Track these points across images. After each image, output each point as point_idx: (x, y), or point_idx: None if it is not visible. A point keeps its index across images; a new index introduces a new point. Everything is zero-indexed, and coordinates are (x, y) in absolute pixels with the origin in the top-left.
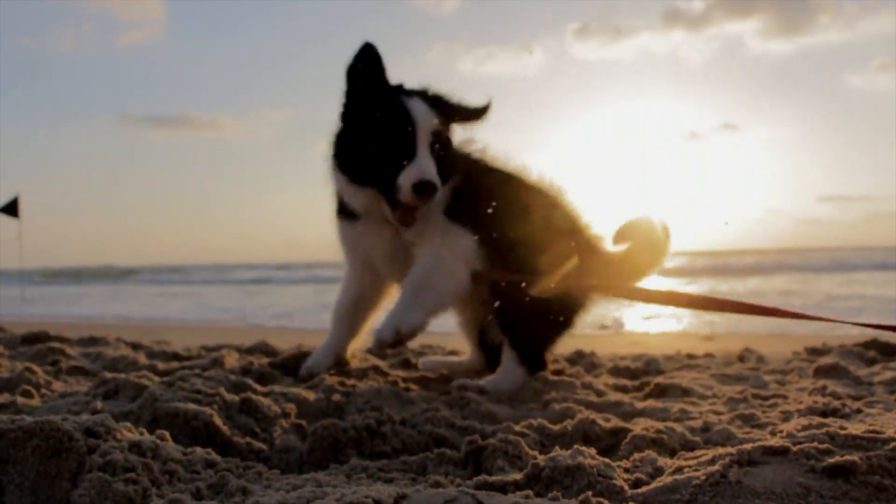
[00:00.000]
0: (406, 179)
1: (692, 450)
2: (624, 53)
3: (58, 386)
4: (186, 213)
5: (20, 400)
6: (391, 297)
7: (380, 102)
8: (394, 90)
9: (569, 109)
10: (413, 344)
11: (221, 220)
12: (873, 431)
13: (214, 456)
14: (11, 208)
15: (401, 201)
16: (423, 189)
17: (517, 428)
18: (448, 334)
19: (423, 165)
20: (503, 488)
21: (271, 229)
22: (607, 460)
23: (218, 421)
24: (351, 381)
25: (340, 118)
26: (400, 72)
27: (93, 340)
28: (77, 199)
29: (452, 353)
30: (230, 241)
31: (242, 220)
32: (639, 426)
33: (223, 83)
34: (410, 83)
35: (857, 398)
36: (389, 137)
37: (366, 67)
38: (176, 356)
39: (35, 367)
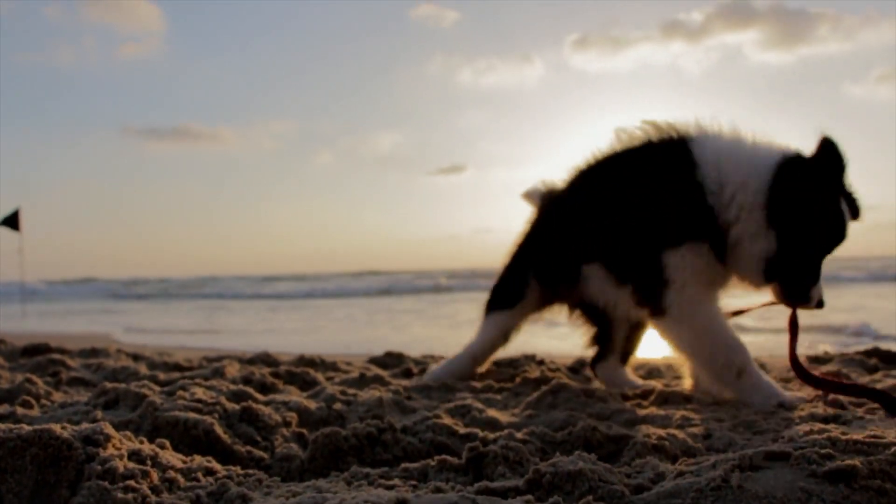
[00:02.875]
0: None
1: (694, 456)
2: (623, 64)
3: (58, 397)
4: (188, 225)
5: (20, 410)
6: None
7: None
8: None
9: (569, 120)
10: (415, 354)
11: (222, 232)
12: (874, 436)
13: (214, 464)
14: (12, 221)
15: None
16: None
17: (519, 435)
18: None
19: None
20: (504, 494)
21: (273, 241)
22: (609, 466)
23: (218, 430)
24: (352, 390)
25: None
26: (399, 83)
27: (93, 352)
28: (77, 213)
29: None
30: (232, 253)
31: (244, 231)
32: (641, 433)
33: (224, 95)
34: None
35: (858, 405)
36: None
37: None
38: (177, 367)
39: (35, 378)
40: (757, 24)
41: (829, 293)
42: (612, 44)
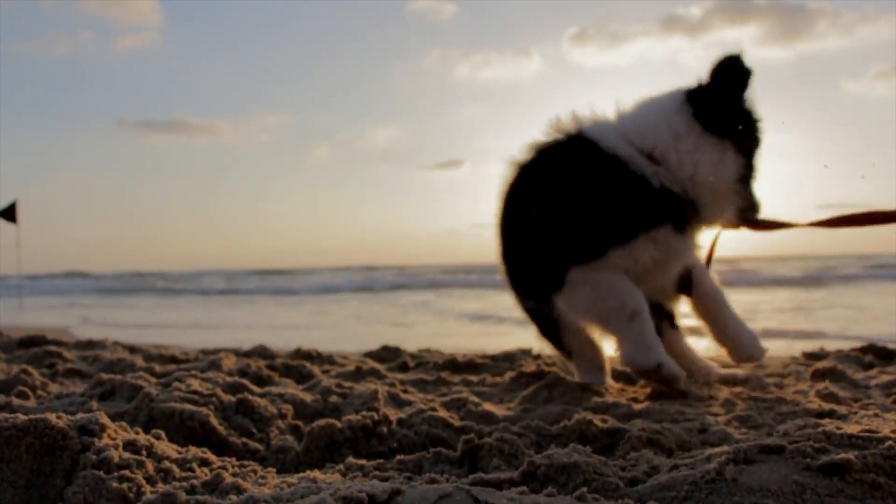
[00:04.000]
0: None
1: (689, 450)
2: (622, 59)
3: (54, 388)
4: (184, 218)
5: (15, 401)
6: None
7: None
8: None
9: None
10: (411, 348)
11: (218, 225)
12: (869, 431)
13: (210, 455)
14: (9, 213)
15: None
16: None
17: (514, 428)
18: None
19: None
20: (499, 485)
21: (269, 235)
22: (603, 458)
23: (214, 421)
24: (348, 384)
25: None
26: (396, 77)
27: (90, 344)
28: (72, 205)
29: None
30: (227, 247)
31: (240, 225)
32: (636, 426)
33: (221, 88)
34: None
35: (853, 401)
36: None
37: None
38: (174, 359)
39: (31, 370)
40: (755, 20)
41: (828, 292)
42: (610, 38)
